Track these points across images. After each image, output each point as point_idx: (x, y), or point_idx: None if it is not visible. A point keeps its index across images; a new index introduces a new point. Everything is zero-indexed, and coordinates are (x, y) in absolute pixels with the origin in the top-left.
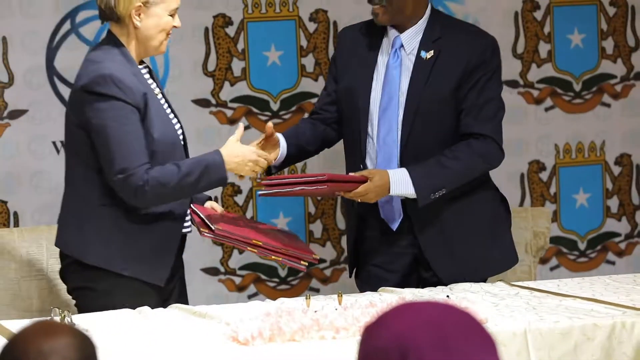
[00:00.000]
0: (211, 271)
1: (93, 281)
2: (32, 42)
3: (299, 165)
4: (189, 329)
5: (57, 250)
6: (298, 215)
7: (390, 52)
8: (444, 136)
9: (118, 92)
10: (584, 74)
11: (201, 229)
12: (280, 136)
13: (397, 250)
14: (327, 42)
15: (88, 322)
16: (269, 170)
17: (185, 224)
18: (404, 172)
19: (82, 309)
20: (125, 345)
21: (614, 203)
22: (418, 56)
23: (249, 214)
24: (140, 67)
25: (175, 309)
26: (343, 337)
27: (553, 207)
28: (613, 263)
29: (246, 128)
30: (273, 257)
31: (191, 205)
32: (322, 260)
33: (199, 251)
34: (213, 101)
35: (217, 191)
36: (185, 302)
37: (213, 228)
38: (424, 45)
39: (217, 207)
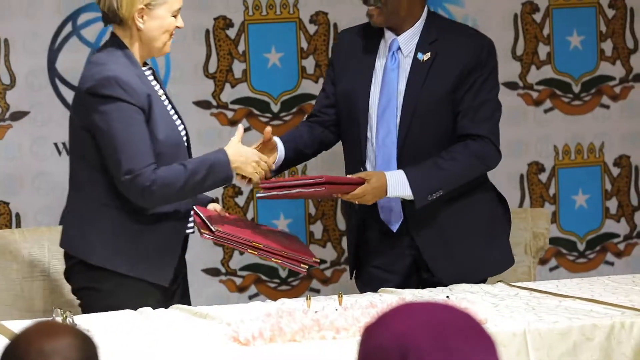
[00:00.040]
0: (212, 272)
1: (97, 281)
2: (34, 44)
3: (300, 167)
4: (190, 330)
5: (59, 251)
6: (298, 216)
7: (388, 55)
8: (441, 137)
9: (123, 94)
10: (583, 75)
11: (202, 230)
12: (277, 140)
13: (397, 251)
14: (328, 44)
15: (89, 323)
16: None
17: (189, 225)
18: (401, 173)
19: (86, 309)
20: (126, 345)
21: (613, 204)
22: (415, 58)
23: (249, 215)
24: (143, 69)
25: (176, 309)
26: (343, 338)
27: (552, 208)
28: (612, 264)
29: (247, 130)
30: (273, 259)
31: (193, 206)
32: (322, 261)
33: (200, 252)
34: (214, 103)
35: (218, 192)
36: (188, 302)
37: (213, 229)
38: (420, 47)
39: (220, 209)
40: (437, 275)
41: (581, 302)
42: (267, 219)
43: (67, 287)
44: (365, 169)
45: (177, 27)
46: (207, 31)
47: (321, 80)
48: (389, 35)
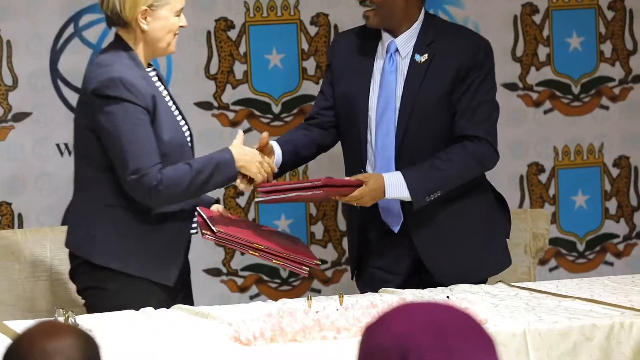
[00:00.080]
0: (213, 272)
1: (102, 281)
2: (36, 46)
3: (300, 169)
4: (192, 330)
5: (61, 251)
6: (299, 217)
7: (386, 57)
8: (438, 139)
9: (128, 95)
10: (582, 77)
11: (203, 231)
12: (274, 144)
13: (398, 252)
14: (328, 45)
15: (91, 323)
16: None
17: (193, 225)
18: (398, 175)
19: (91, 309)
20: (128, 345)
21: (612, 205)
22: (412, 60)
23: (250, 216)
24: (148, 70)
25: (177, 309)
26: (344, 338)
27: (552, 209)
28: (611, 264)
29: (248, 130)
30: (274, 261)
31: (197, 207)
32: (323, 262)
33: (201, 252)
34: (215, 104)
35: (219, 193)
36: (191, 302)
37: (215, 230)
38: (418, 48)
39: (223, 210)
40: (435, 275)
41: (581, 302)
42: (268, 219)
43: (69, 287)
44: (365, 171)
45: (181, 26)
46: (209, 33)
47: (322, 82)
48: (386, 37)
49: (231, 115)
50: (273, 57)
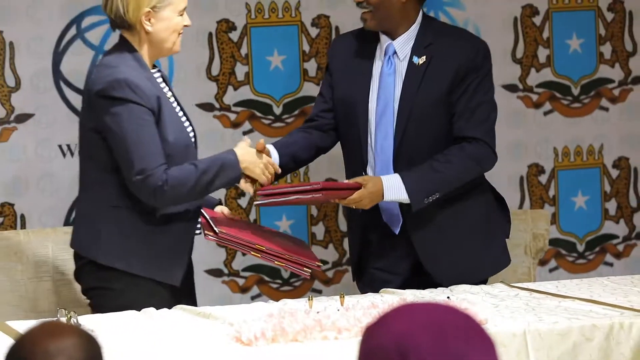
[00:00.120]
0: (215, 272)
1: (108, 281)
2: (39, 47)
3: (302, 170)
4: (193, 330)
5: (63, 251)
6: (300, 217)
7: (384, 59)
8: (437, 141)
9: (133, 96)
10: (582, 78)
11: (205, 232)
12: (271, 148)
13: (398, 253)
14: (329, 47)
15: (94, 323)
16: None
17: (198, 226)
18: (396, 177)
19: (96, 309)
20: (130, 345)
21: (612, 206)
22: (410, 62)
23: (252, 217)
24: (152, 71)
25: (179, 309)
26: (345, 338)
27: (552, 210)
28: (611, 265)
29: (249, 132)
30: (276, 262)
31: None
32: (324, 262)
33: (203, 253)
34: (217, 105)
35: (221, 194)
36: (194, 302)
37: (217, 231)
38: (416, 51)
39: (227, 211)
40: (435, 277)
41: (580, 302)
42: (269, 220)
43: (72, 288)
44: (366, 173)
45: (185, 25)
46: (210, 34)
47: (321, 84)
48: (384, 39)
49: (232, 116)
50: (274, 58)
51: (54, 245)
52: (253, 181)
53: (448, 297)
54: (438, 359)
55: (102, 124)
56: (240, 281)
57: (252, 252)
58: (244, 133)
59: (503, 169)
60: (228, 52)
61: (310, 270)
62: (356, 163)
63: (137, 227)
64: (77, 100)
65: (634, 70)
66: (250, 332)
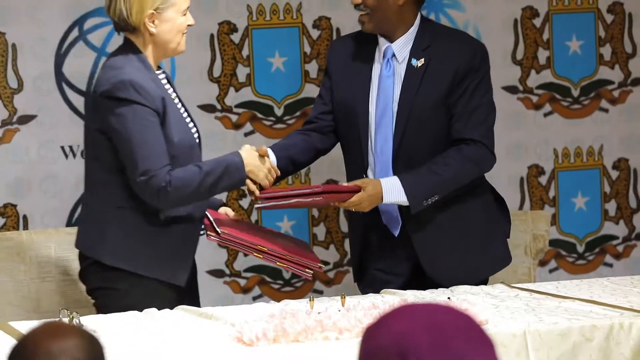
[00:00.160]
0: (216, 273)
1: (113, 282)
2: (41, 49)
3: (303, 171)
4: (195, 330)
5: (66, 252)
6: (302, 218)
7: (383, 62)
8: (436, 143)
9: (138, 97)
10: (582, 80)
11: (208, 232)
12: (269, 151)
13: (399, 255)
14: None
15: (96, 323)
16: None
17: (203, 227)
18: (395, 180)
19: (101, 309)
20: (132, 345)
21: (611, 206)
22: (409, 64)
23: (253, 218)
24: (157, 72)
25: (181, 310)
26: (346, 338)
27: (552, 211)
28: (611, 265)
29: (251, 133)
30: (278, 263)
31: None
32: (325, 263)
33: (204, 253)
34: (218, 106)
35: (222, 195)
36: (197, 302)
37: (219, 231)
38: (414, 53)
39: (231, 213)
40: (435, 278)
41: (580, 303)
42: (270, 221)
43: (75, 288)
44: (367, 176)
45: (189, 25)
46: (212, 36)
47: (320, 86)
48: (382, 42)
49: (234, 117)
50: (276, 60)
51: (57, 246)
52: (255, 184)
53: (448, 298)
54: (438, 359)
55: (107, 124)
56: (242, 282)
57: (254, 253)
58: (246, 134)
59: (503, 170)
60: (229, 53)
61: (312, 272)
62: (356, 165)
63: (143, 228)
64: (79, 101)
65: (634, 72)
66: (252, 332)
